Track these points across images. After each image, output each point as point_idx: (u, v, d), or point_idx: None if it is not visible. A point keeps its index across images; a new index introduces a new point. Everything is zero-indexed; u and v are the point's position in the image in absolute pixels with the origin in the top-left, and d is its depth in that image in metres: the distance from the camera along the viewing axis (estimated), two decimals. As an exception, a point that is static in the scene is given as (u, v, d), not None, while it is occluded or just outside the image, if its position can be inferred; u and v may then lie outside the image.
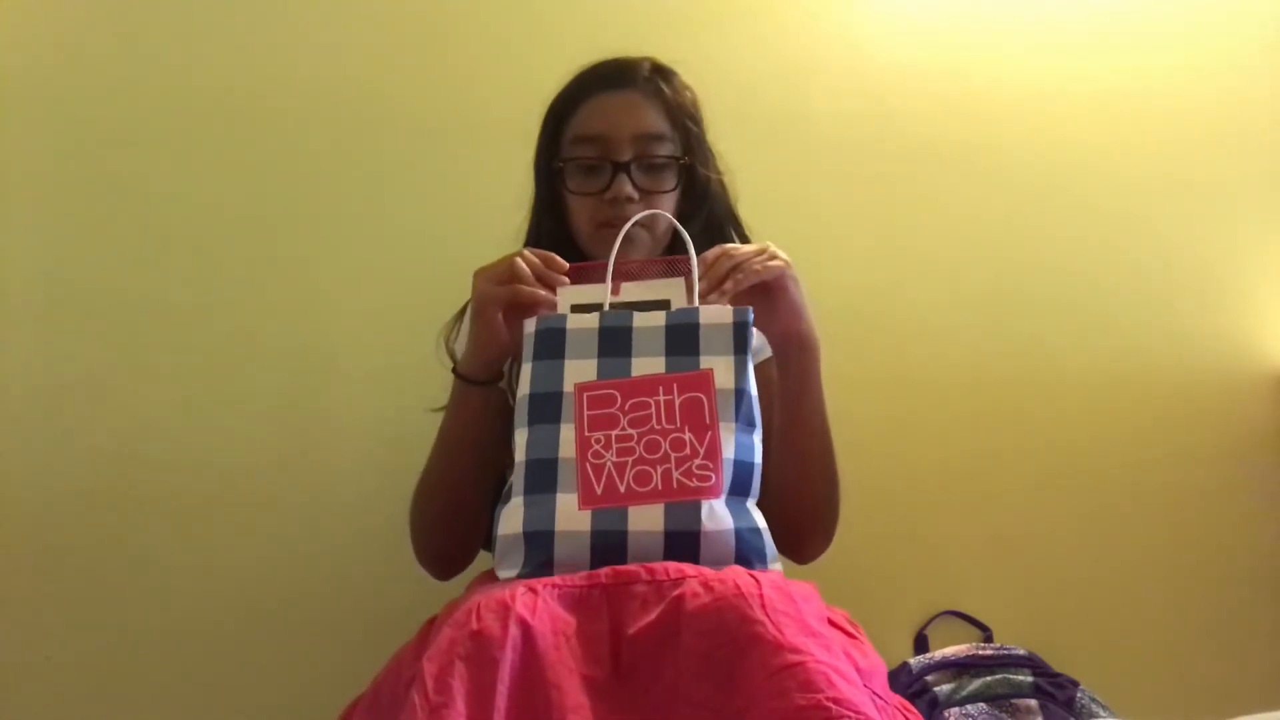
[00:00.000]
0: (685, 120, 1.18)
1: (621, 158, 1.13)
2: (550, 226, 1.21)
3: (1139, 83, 1.87)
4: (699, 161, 1.19)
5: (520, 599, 0.75)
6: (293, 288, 1.58)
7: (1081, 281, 1.81)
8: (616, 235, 1.06)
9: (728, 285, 0.99)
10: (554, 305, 1.02)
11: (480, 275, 1.04)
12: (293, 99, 1.60)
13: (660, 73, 1.19)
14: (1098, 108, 1.85)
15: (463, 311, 1.24)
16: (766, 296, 1.01)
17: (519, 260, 1.02)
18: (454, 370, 1.09)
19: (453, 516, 1.13)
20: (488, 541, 1.14)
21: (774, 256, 1.02)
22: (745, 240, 1.23)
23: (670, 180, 1.16)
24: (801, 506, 1.10)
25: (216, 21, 1.60)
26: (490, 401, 1.08)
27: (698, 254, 1.02)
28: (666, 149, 1.16)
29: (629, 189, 1.12)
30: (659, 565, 0.81)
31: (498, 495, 1.15)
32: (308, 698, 1.34)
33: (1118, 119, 1.86)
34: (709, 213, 1.22)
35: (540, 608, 0.76)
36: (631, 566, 0.81)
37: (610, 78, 1.18)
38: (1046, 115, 1.83)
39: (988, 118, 1.82)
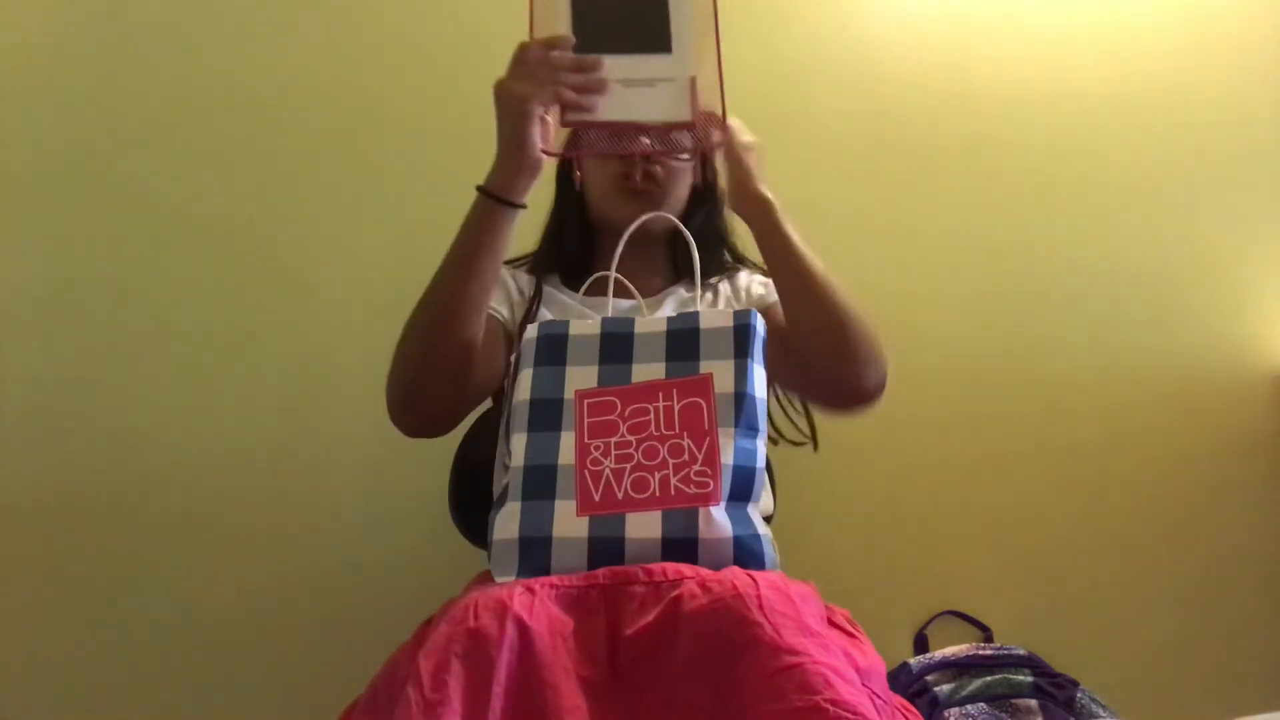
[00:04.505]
0: None
1: None
2: (571, 214, 1.25)
3: (1140, 83, 1.87)
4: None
5: (518, 599, 0.75)
6: (292, 288, 1.58)
7: (1082, 281, 1.81)
8: (630, 191, 1.14)
9: (718, 137, 1.03)
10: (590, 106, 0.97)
11: (508, 80, 0.96)
12: (293, 100, 1.60)
13: None
14: (1098, 108, 1.85)
15: None
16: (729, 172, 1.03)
17: (551, 54, 0.95)
18: (480, 187, 1.01)
19: (439, 345, 1.01)
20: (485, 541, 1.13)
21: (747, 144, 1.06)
22: (735, 252, 1.30)
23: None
24: (829, 344, 1.04)
25: (216, 22, 1.60)
26: (510, 230, 1.01)
27: (701, 256, 1.09)
28: None
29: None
30: (657, 566, 0.81)
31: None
32: (308, 698, 1.34)
33: (1118, 119, 1.86)
34: (710, 210, 1.25)
35: (538, 608, 0.75)
36: (630, 567, 0.81)
37: None
38: (1047, 115, 1.83)
39: (989, 117, 1.82)
